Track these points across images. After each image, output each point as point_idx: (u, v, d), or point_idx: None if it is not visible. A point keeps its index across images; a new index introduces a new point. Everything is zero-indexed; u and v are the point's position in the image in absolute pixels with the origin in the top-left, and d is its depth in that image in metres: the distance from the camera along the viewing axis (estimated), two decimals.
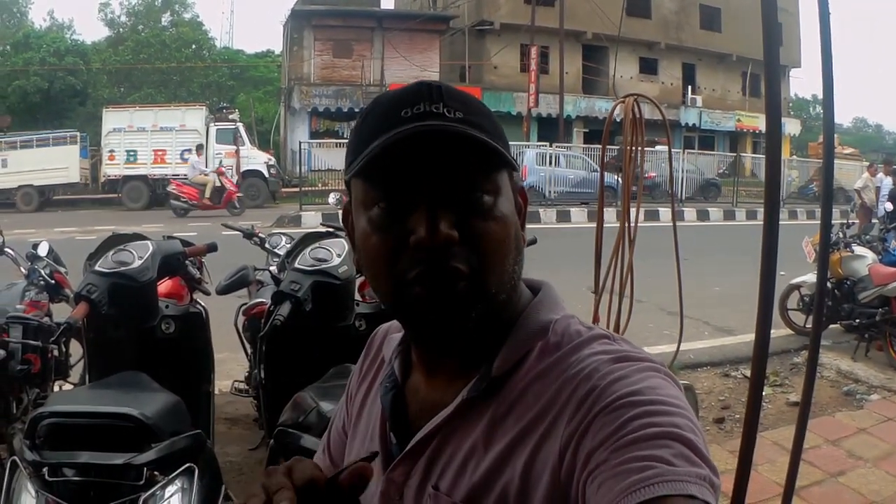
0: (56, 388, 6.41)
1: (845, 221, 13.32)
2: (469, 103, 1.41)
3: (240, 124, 39.39)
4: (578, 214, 32.51)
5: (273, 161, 39.60)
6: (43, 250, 6.98)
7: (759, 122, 51.63)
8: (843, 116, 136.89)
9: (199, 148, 35.50)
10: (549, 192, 36.44)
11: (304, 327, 4.97)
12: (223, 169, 34.15)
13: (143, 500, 3.39)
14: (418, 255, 1.33)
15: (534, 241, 5.38)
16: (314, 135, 47.09)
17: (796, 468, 4.59)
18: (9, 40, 58.62)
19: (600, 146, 7.26)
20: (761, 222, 4.00)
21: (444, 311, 1.36)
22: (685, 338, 6.53)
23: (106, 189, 39.26)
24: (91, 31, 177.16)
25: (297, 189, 36.10)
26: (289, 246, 6.17)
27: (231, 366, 8.09)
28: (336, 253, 5.17)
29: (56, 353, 6.34)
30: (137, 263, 4.87)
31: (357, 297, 5.63)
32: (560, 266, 13.99)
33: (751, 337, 4.13)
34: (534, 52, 46.41)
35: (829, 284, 11.26)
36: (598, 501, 1.15)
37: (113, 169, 37.94)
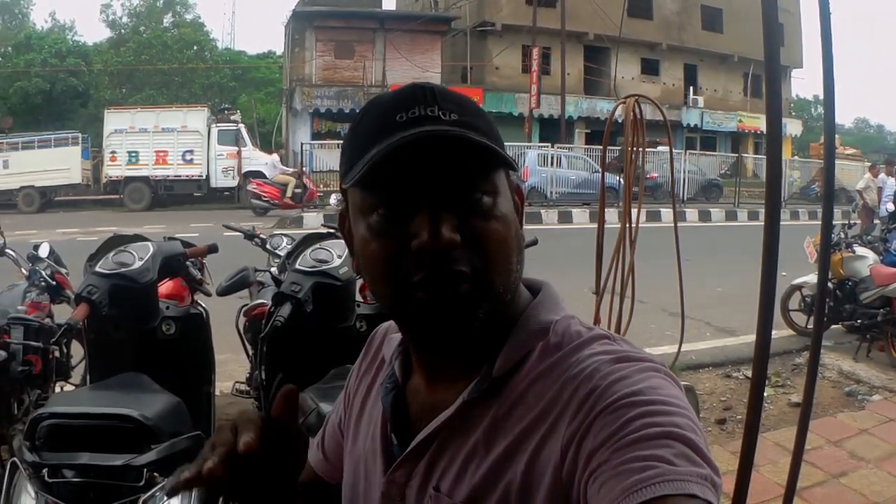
0: (57, 389, 6.40)
1: (847, 222, 13.32)
2: (463, 104, 1.41)
3: (241, 125, 39.43)
4: (580, 215, 32.51)
5: (277, 161, 39.63)
6: (44, 251, 6.98)
7: (761, 123, 51.64)
8: (845, 117, 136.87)
9: (279, 148, 35.60)
10: (551, 192, 36.48)
11: (305, 328, 4.97)
12: (304, 169, 34.35)
13: (143, 501, 3.39)
14: (421, 260, 1.32)
15: (535, 242, 5.37)
16: (316, 136, 47.09)
17: (798, 469, 4.59)
18: (10, 41, 58.68)
19: (602, 147, 7.26)
20: (763, 223, 3.99)
21: (449, 314, 1.35)
22: (687, 338, 6.53)
23: (107, 190, 39.23)
24: (92, 32, 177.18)
25: (298, 190, 36.15)
26: (290, 247, 6.17)
27: (232, 367, 8.09)
28: (337, 254, 5.17)
29: (57, 354, 6.33)
30: (138, 265, 4.87)
31: (358, 297, 5.62)
32: (562, 267, 13.98)
33: (752, 338, 4.12)
34: (535, 53, 46.40)
35: (830, 285, 11.27)
36: (599, 501, 1.15)
37: (115, 170, 37.92)
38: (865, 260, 11.51)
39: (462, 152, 1.32)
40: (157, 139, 37.91)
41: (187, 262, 5.67)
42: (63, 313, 5.83)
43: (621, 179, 7.28)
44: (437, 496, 1.42)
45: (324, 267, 5.07)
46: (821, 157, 39.67)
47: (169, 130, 37.98)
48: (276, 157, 35.45)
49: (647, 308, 10.58)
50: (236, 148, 37.53)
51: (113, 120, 38.71)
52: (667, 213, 28.03)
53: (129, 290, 4.79)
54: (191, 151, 37.62)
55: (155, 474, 3.46)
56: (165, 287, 5.83)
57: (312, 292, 4.93)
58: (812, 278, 11.22)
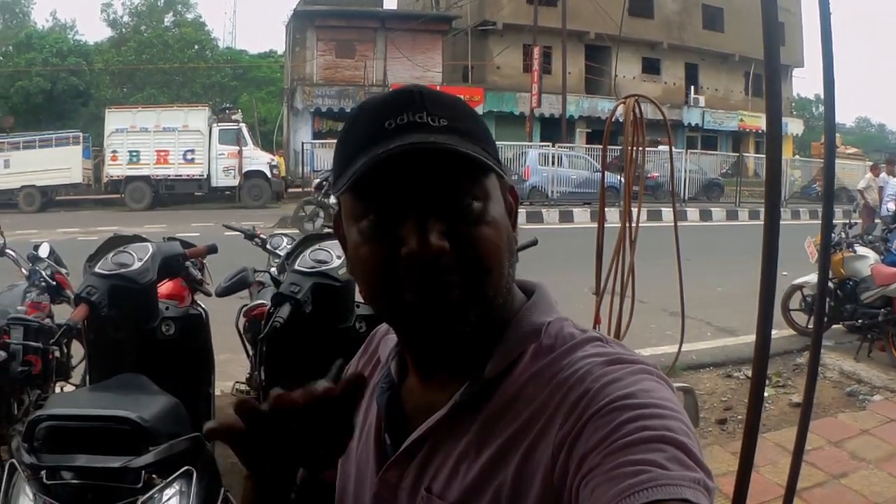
0: (58, 390, 6.40)
1: (848, 221, 13.31)
2: (453, 107, 1.40)
3: (242, 125, 39.41)
4: (581, 215, 32.52)
5: (276, 161, 39.60)
6: (44, 251, 6.98)
7: (763, 122, 51.30)
8: (846, 116, 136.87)
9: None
10: (552, 192, 36.49)
11: (304, 329, 4.96)
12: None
13: (141, 502, 3.39)
14: (410, 266, 1.32)
15: (535, 243, 5.37)
16: (317, 135, 47.15)
17: (798, 469, 4.58)
18: (11, 41, 58.77)
19: (602, 147, 7.26)
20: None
21: (439, 319, 1.35)
22: (687, 338, 6.54)
23: (109, 189, 39.22)
24: (93, 31, 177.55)
25: (300, 189, 36.17)
26: (290, 247, 6.17)
27: (233, 367, 8.08)
28: (336, 254, 5.16)
29: (57, 354, 6.33)
30: (137, 265, 4.87)
31: (358, 298, 5.62)
32: (562, 267, 14.01)
33: (753, 337, 4.12)
34: (536, 52, 46.40)
35: (831, 285, 11.28)
36: None
37: (116, 169, 37.89)
38: (866, 260, 11.51)
39: (450, 161, 1.32)
40: (158, 139, 37.89)
41: (187, 263, 5.68)
42: (63, 313, 5.83)
43: (622, 179, 7.25)
44: (428, 497, 1.42)
45: (323, 267, 5.06)
46: (822, 157, 39.74)
47: (170, 130, 37.95)
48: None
49: (648, 308, 10.58)
50: (237, 147, 37.51)
51: (114, 119, 38.67)
52: (668, 212, 28.02)
53: (129, 290, 4.79)
54: (192, 151, 37.62)
55: (153, 476, 3.46)
56: (165, 287, 5.84)
57: (312, 293, 4.92)
58: (813, 278, 11.22)
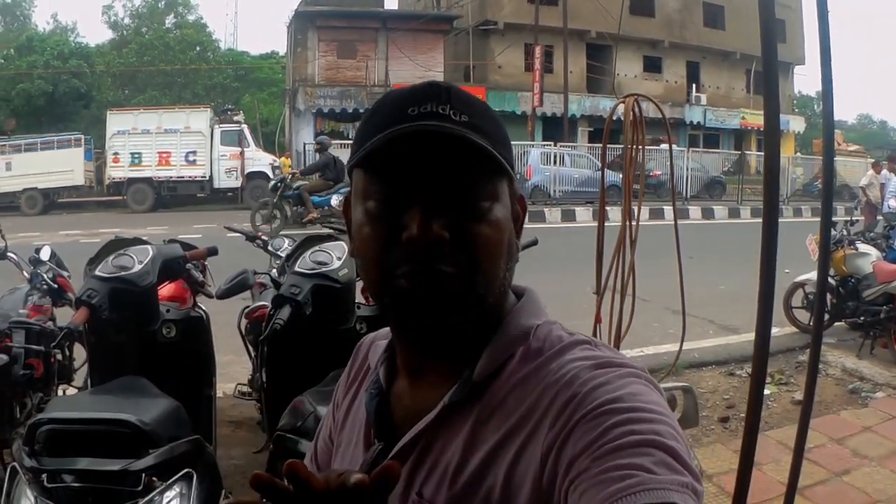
0: (60, 393, 6.41)
1: (850, 219, 13.30)
2: (476, 107, 1.42)
3: (244, 126, 39.34)
4: (583, 214, 32.46)
5: (278, 162, 39.61)
6: (45, 254, 7.00)
7: None
8: (848, 113, 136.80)
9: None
10: (554, 191, 36.46)
11: (305, 331, 4.97)
12: None
13: None
14: (408, 252, 1.34)
15: (535, 243, 5.38)
16: (319, 136, 47.11)
17: (799, 467, 4.59)
18: (12, 43, 58.69)
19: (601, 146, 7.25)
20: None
21: (429, 310, 1.37)
22: (690, 337, 6.53)
23: (111, 191, 39.21)
24: (95, 33, 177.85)
25: None
26: (291, 249, 6.17)
27: (235, 369, 8.09)
28: (336, 256, 5.17)
29: (59, 357, 6.35)
30: (137, 268, 4.88)
31: (359, 299, 5.62)
32: (564, 266, 14.01)
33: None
34: (538, 51, 46.37)
35: (833, 282, 11.29)
36: None
37: (117, 171, 37.84)
38: (868, 257, 11.51)
39: (464, 153, 1.34)
40: (160, 140, 37.86)
41: (188, 265, 5.68)
42: (65, 316, 5.84)
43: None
44: (419, 501, 1.42)
45: (323, 269, 5.07)
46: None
47: (172, 131, 37.92)
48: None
49: (650, 306, 10.56)
50: (239, 149, 37.47)
51: (115, 121, 38.64)
52: (670, 210, 27.99)
53: (129, 293, 4.80)
54: (194, 152, 37.60)
55: (153, 479, 3.46)
56: (167, 289, 5.85)
57: (312, 294, 4.93)
58: (815, 275, 11.15)
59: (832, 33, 4.18)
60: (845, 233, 11.90)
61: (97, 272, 4.82)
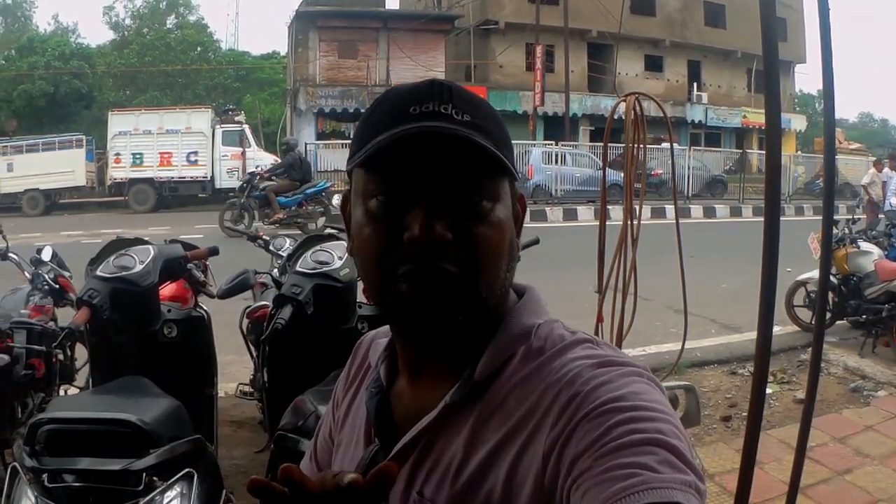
0: (61, 393, 6.42)
1: (851, 217, 13.30)
2: (478, 107, 1.42)
3: (246, 126, 39.31)
4: (585, 213, 32.49)
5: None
6: (47, 255, 7.00)
7: None
8: (849, 111, 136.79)
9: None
10: (556, 190, 36.46)
11: (306, 330, 4.97)
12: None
13: None
14: (410, 252, 1.33)
15: (536, 242, 5.37)
16: (320, 136, 47.17)
17: (801, 466, 4.59)
18: (13, 44, 58.78)
19: (602, 145, 7.26)
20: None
21: (430, 310, 1.36)
22: (692, 335, 6.53)
23: (112, 192, 39.18)
24: (96, 34, 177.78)
25: None
26: (292, 248, 6.17)
27: (237, 368, 8.09)
28: (337, 255, 5.17)
29: (61, 357, 6.35)
30: (139, 268, 4.88)
31: (361, 298, 5.62)
32: (566, 265, 14.01)
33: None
34: (539, 50, 46.38)
35: (835, 280, 11.30)
36: None
37: (119, 172, 37.83)
38: (870, 255, 11.50)
39: (466, 153, 1.34)
40: (161, 141, 37.84)
41: (189, 265, 5.68)
42: (67, 317, 5.84)
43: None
44: (420, 501, 1.42)
45: (324, 269, 5.07)
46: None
47: (173, 132, 37.91)
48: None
49: (652, 305, 10.56)
50: (241, 149, 37.45)
51: (117, 122, 38.63)
52: (671, 209, 28.01)
53: (130, 293, 4.80)
54: (195, 153, 37.58)
55: (154, 478, 3.46)
56: (169, 289, 5.85)
57: (313, 294, 4.92)
58: (817, 274, 11.21)
59: (833, 32, 4.18)
60: (847, 231, 11.89)
61: (98, 272, 4.82)
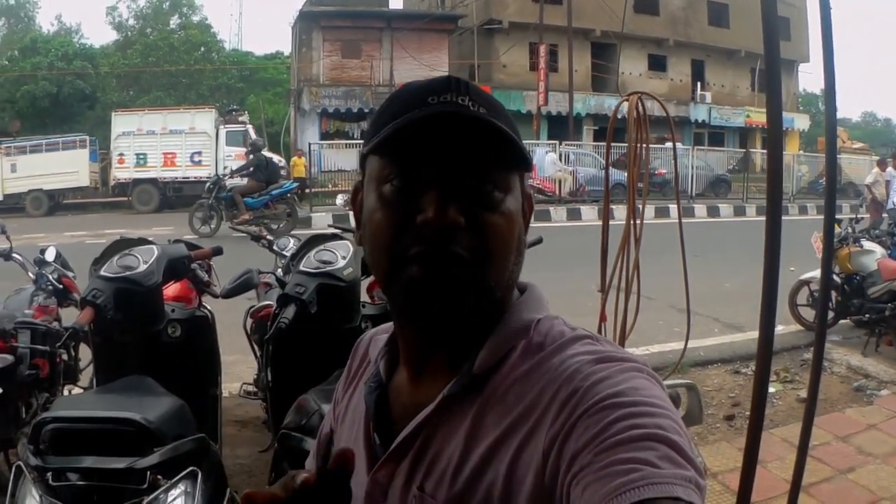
0: (65, 393, 6.42)
1: (854, 216, 13.29)
2: (493, 104, 1.43)
3: (249, 126, 39.38)
4: (589, 212, 32.48)
5: (283, 162, 39.70)
6: (50, 255, 7.01)
7: None
8: (852, 110, 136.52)
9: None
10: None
11: (310, 330, 4.97)
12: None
13: (146, 503, 3.40)
14: (423, 235, 1.34)
15: (539, 241, 5.37)
16: (324, 136, 47.22)
17: (803, 465, 4.60)
18: (17, 45, 58.88)
19: (606, 144, 7.26)
20: None
21: (439, 293, 1.37)
22: (695, 335, 6.53)
23: (116, 192, 39.30)
24: (99, 34, 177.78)
25: (307, 190, 36.26)
26: (295, 248, 6.18)
27: (241, 368, 8.10)
28: (341, 255, 5.17)
29: (65, 357, 6.35)
30: (142, 268, 4.88)
31: (364, 298, 5.63)
32: (570, 264, 14.00)
33: None
34: (542, 50, 46.41)
35: (838, 280, 11.30)
36: None
37: (123, 172, 37.93)
38: (873, 254, 11.50)
39: (483, 136, 1.35)
40: (165, 141, 37.93)
41: (193, 265, 5.68)
42: (71, 317, 5.84)
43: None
44: (420, 496, 1.42)
45: (328, 268, 5.08)
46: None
47: (177, 132, 38.00)
48: (553, 155, 36.11)
49: (656, 305, 10.57)
50: (244, 149, 37.51)
51: (120, 122, 38.72)
52: (674, 209, 28.00)
53: (134, 293, 4.80)
54: (199, 153, 37.65)
55: (158, 477, 3.46)
56: (172, 289, 5.85)
57: (317, 293, 4.93)
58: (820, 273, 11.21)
59: (836, 31, 4.19)
60: (850, 230, 11.88)
61: (102, 272, 4.82)
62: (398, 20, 51.77)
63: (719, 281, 15.50)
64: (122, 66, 60.61)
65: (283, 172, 36.66)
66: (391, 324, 1.67)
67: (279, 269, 6.54)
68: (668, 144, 29.40)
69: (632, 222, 5.70)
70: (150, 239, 5.47)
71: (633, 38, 51.75)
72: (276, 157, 38.31)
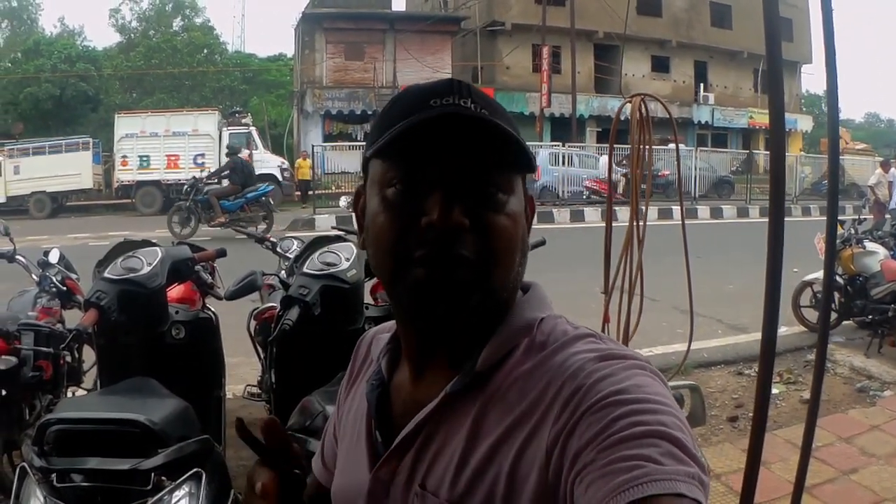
0: (69, 394, 6.42)
1: (857, 217, 13.29)
2: (494, 106, 1.43)
3: (252, 128, 39.49)
4: (592, 214, 32.51)
5: (286, 164, 39.75)
6: (54, 257, 7.02)
7: None
8: (855, 111, 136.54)
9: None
10: (563, 191, 36.52)
11: (314, 331, 4.97)
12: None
13: None
14: (427, 237, 1.34)
15: (542, 243, 5.38)
16: (327, 138, 47.24)
17: (806, 466, 4.60)
18: (20, 47, 58.93)
19: (609, 146, 7.26)
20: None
21: (444, 295, 1.37)
22: (698, 336, 6.52)
23: (119, 194, 39.35)
24: (102, 37, 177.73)
25: (310, 192, 36.30)
26: (299, 250, 6.18)
27: (245, 370, 8.10)
28: (345, 257, 5.17)
29: (68, 359, 6.35)
30: (146, 270, 4.88)
31: (368, 300, 5.63)
32: (573, 266, 13.99)
33: None
34: (545, 52, 46.53)
35: (841, 281, 11.31)
36: (586, 502, 1.14)
37: (126, 174, 38.03)
38: (876, 255, 11.51)
39: (485, 140, 1.35)
40: (168, 143, 38.01)
41: (197, 267, 5.68)
42: (74, 318, 5.85)
43: (629, 177, 7.26)
44: (422, 494, 1.42)
45: (332, 270, 5.07)
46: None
47: (180, 134, 38.08)
48: (606, 158, 36.49)
49: (659, 306, 10.58)
50: (248, 151, 37.52)
51: (123, 124, 38.83)
52: (678, 210, 28.01)
53: (138, 295, 4.80)
54: (202, 155, 37.70)
55: (162, 478, 3.46)
56: (176, 291, 5.84)
57: (320, 295, 4.92)
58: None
59: (839, 32, 4.20)
60: (853, 231, 11.89)
61: (106, 274, 4.82)
62: (401, 22, 51.79)
63: (722, 282, 15.49)
64: (125, 68, 60.68)
65: (285, 174, 36.69)
66: (393, 322, 1.67)
67: (283, 271, 6.52)
68: (672, 146, 29.55)
69: (635, 224, 5.71)
70: (154, 241, 5.47)
71: (635, 40, 51.78)
72: (281, 159, 38.40)
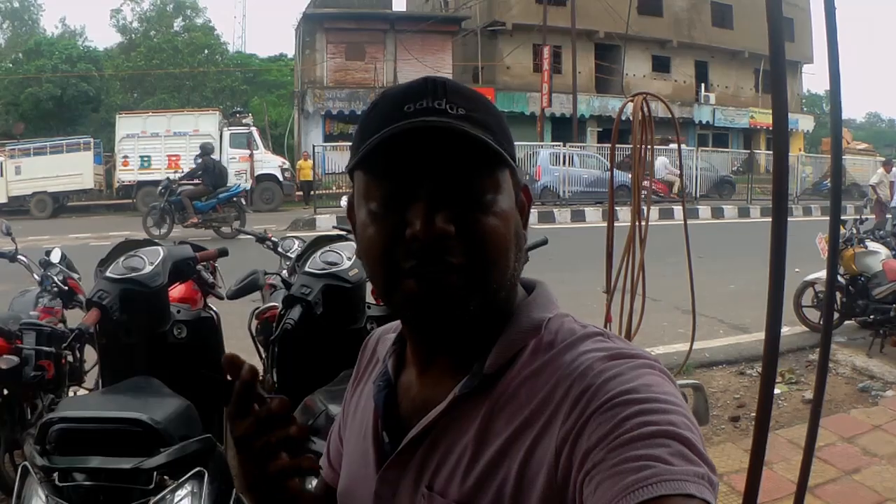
0: (71, 394, 6.42)
1: (859, 217, 13.29)
2: (473, 100, 1.41)
3: (253, 128, 39.43)
4: (593, 214, 32.44)
5: (287, 164, 39.75)
6: (55, 257, 7.02)
7: None
8: (856, 111, 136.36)
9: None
10: (564, 191, 36.48)
11: (315, 331, 4.96)
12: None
13: (153, 503, 3.40)
14: (413, 248, 1.34)
15: (544, 242, 5.37)
16: (328, 138, 47.22)
17: (809, 466, 4.59)
18: (21, 48, 58.92)
19: (610, 145, 7.26)
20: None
21: (438, 304, 1.36)
22: (700, 336, 6.52)
23: (120, 195, 39.35)
24: (103, 37, 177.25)
25: (311, 192, 36.31)
26: (301, 249, 6.17)
27: None
28: (346, 256, 5.16)
29: (70, 358, 6.35)
30: (148, 269, 4.87)
31: (369, 299, 5.62)
32: (575, 266, 13.98)
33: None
34: (546, 52, 46.46)
35: (843, 280, 11.30)
36: (595, 502, 1.14)
37: (127, 174, 38.02)
38: (878, 255, 11.50)
39: (463, 146, 1.33)
40: (169, 143, 37.99)
41: (199, 266, 5.68)
42: (76, 318, 5.85)
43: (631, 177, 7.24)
44: (429, 495, 1.41)
45: (333, 269, 5.06)
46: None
47: (181, 134, 38.04)
48: (664, 159, 36.37)
49: (661, 306, 10.58)
50: (248, 151, 37.53)
51: (124, 125, 38.83)
52: (679, 210, 27.98)
53: (140, 294, 4.79)
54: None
55: (165, 477, 3.46)
56: (177, 291, 5.84)
57: (322, 294, 4.91)
58: (825, 274, 11.18)
59: (840, 32, 4.19)
60: (855, 231, 11.88)
61: (108, 273, 4.81)
62: (402, 22, 51.72)
63: (724, 282, 15.49)
64: (126, 68, 60.67)
65: (286, 174, 36.66)
66: (398, 322, 1.67)
67: (284, 271, 6.52)
68: (673, 146, 29.52)
69: (636, 224, 5.70)
70: (156, 240, 5.47)
71: (636, 40, 51.70)
72: (281, 159, 38.39)
